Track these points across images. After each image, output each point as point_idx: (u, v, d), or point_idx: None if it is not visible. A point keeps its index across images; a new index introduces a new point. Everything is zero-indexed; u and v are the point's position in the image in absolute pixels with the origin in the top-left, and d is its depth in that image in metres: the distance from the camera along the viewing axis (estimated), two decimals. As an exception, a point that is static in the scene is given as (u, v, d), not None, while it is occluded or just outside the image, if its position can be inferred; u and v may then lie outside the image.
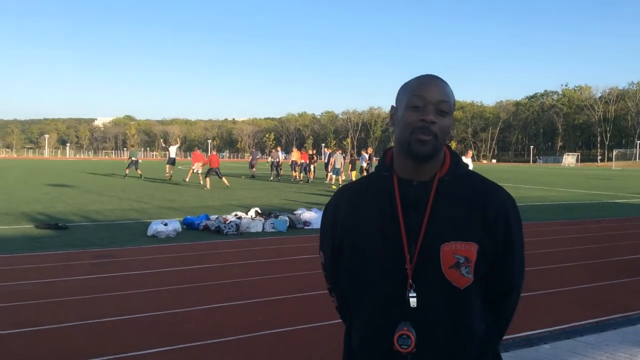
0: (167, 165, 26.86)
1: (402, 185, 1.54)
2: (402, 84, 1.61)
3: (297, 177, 29.29)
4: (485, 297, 1.59)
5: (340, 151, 27.65)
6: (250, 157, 34.24)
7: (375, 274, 1.52)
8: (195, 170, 24.10)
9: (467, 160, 13.82)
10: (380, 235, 1.52)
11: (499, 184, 1.63)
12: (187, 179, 22.98)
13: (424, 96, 1.49)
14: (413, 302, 1.46)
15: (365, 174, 24.54)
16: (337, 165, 26.22)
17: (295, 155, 30.82)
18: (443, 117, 1.50)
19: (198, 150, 26.57)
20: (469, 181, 1.58)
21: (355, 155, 28.35)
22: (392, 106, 1.62)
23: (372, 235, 1.53)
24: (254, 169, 32.45)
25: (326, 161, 28.82)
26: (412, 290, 1.47)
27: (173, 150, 27.35)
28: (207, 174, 22.12)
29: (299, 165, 29.81)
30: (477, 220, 1.50)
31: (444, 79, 1.57)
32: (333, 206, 1.67)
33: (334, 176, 26.48)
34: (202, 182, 22.77)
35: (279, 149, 33.67)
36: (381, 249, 1.51)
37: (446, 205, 1.51)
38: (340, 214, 1.62)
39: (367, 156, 27.45)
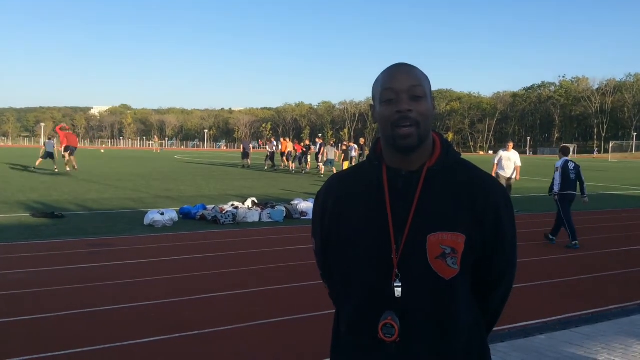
0: (45, 160, 23.54)
1: (391, 174, 1.53)
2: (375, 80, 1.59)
3: (290, 167, 29.22)
4: (474, 289, 1.57)
5: (333, 142, 27.58)
6: (242, 146, 33.49)
7: (361, 263, 1.52)
8: (62, 151, 22.36)
9: (509, 153, 12.82)
10: (367, 224, 1.51)
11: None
12: (76, 166, 21.54)
13: (394, 87, 1.47)
14: (398, 291, 1.45)
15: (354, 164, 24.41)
16: (330, 156, 26.09)
17: (287, 145, 30.75)
18: (419, 102, 1.47)
19: (59, 129, 23.58)
20: (460, 171, 1.55)
21: (354, 145, 28.05)
22: (371, 104, 1.61)
23: (359, 224, 1.52)
24: (248, 160, 32.18)
25: (317, 152, 28.79)
26: (397, 280, 1.46)
27: (50, 145, 23.49)
28: (67, 149, 21.69)
29: (293, 156, 29.81)
30: (466, 211, 1.48)
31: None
32: (324, 194, 1.67)
33: (324, 167, 26.37)
34: (68, 166, 22.23)
35: (272, 139, 33.49)
36: (368, 238, 1.51)
37: (434, 195, 1.49)
38: (330, 202, 1.61)
39: (356, 147, 27.38)
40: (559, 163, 9.34)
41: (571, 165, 9.36)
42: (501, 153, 13.14)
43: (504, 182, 12.67)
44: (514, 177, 13.06)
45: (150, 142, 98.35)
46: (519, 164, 12.99)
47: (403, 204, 1.49)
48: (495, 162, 13.01)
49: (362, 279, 1.52)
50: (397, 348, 1.46)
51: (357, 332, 1.54)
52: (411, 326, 1.46)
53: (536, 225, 11.04)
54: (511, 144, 13.27)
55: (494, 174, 12.74)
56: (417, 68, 1.54)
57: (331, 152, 26.34)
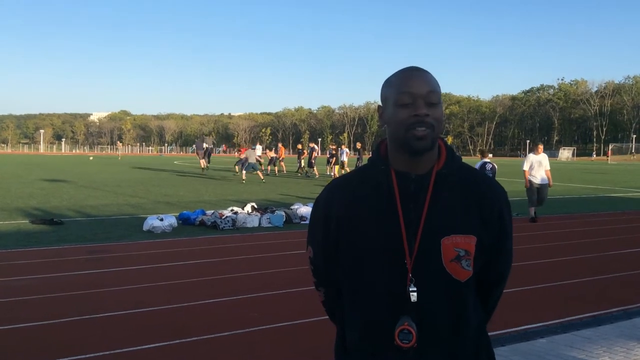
0: None
1: (400, 178, 1.51)
2: (384, 81, 1.58)
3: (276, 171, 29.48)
4: (476, 288, 1.59)
5: (249, 147, 26.22)
6: (195, 148, 31.84)
7: (374, 269, 1.50)
8: None
9: (539, 157, 11.88)
10: (378, 230, 1.49)
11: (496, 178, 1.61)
12: None
13: (411, 92, 1.47)
14: (413, 296, 1.44)
15: (347, 168, 24.33)
16: (251, 160, 23.97)
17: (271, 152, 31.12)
18: (434, 107, 1.48)
19: None
20: (464, 174, 1.56)
21: (346, 148, 27.70)
22: (379, 106, 1.60)
23: (370, 229, 1.50)
24: (201, 160, 30.16)
25: (308, 155, 28.74)
26: (412, 285, 1.45)
27: None
28: None
29: (281, 160, 30.27)
30: (474, 213, 1.50)
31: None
32: (325, 200, 1.63)
33: (244, 171, 24.11)
34: None
35: (258, 144, 33.44)
36: (380, 244, 1.49)
37: (445, 198, 1.50)
38: (334, 208, 1.58)
39: (347, 150, 27.07)
40: (477, 165, 10.32)
41: (488, 166, 10.57)
42: (532, 157, 12.08)
43: (534, 190, 11.89)
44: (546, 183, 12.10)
45: (116, 148, 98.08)
46: (548, 168, 12.02)
47: (414, 208, 1.48)
48: (526, 168, 11.99)
49: (376, 286, 1.50)
50: (414, 353, 1.45)
51: (371, 339, 1.52)
52: (428, 330, 1.46)
53: (536, 227, 11.02)
54: (541, 147, 12.12)
55: (526, 181, 11.96)
56: (430, 74, 1.54)
57: (252, 156, 24.08)
